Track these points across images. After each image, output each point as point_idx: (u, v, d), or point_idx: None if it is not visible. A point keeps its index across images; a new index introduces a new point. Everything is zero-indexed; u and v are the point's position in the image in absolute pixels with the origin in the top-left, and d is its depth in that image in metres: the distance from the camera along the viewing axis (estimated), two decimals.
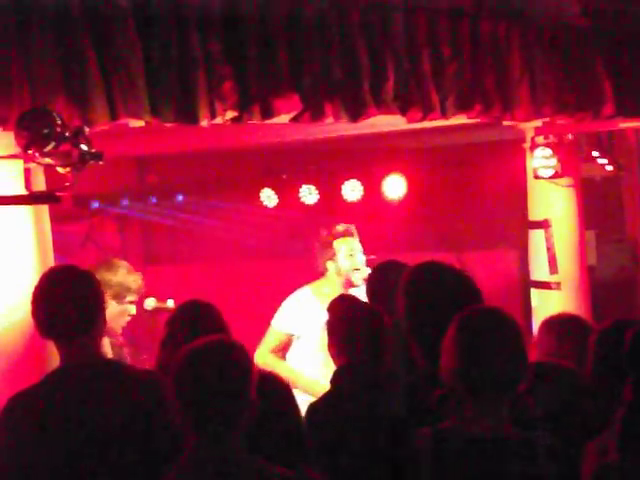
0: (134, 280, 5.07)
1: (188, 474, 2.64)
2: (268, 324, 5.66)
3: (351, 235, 5.74)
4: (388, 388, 3.50)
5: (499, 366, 2.77)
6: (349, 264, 5.64)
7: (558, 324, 4.05)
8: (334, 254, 5.66)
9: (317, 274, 5.86)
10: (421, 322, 3.30)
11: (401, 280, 3.47)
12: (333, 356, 3.77)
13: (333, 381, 3.70)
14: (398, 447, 3.09)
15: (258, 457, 2.66)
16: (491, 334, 2.81)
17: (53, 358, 3.28)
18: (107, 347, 4.98)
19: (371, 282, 4.50)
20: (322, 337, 4.01)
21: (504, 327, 2.85)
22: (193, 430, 2.65)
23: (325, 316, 3.90)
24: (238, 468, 2.62)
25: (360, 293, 4.95)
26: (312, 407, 3.64)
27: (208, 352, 2.71)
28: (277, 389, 3.05)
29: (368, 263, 5.59)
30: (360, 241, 5.78)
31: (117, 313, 4.98)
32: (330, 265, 5.70)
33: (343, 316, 3.78)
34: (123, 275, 5.03)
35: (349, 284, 5.63)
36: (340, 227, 5.74)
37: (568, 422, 3.13)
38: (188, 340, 2.90)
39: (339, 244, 5.68)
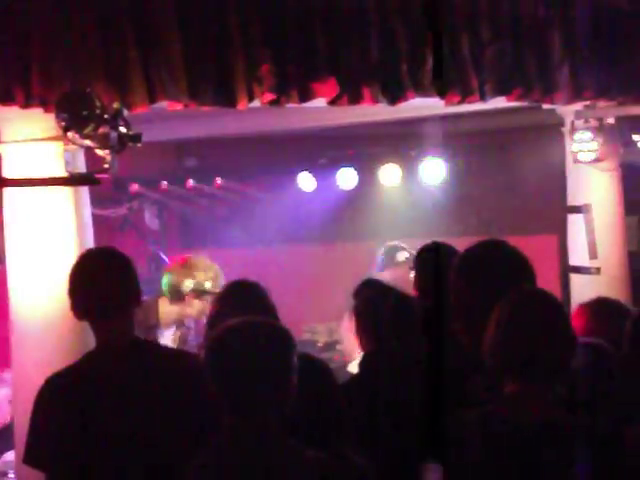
0: (212, 277, 5.18)
1: (221, 455, 2.64)
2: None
3: None
4: (415, 373, 3.48)
5: (546, 348, 2.75)
6: None
7: (595, 307, 4.00)
8: None
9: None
10: (473, 304, 3.22)
11: (455, 262, 3.40)
12: (361, 341, 3.78)
13: (361, 366, 3.71)
14: (428, 432, 3.07)
15: (293, 439, 2.65)
16: (539, 315, 2.78)
17: (90, 339, 3.31)
18: (177, 334, 5.13)
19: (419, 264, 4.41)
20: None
21: (553, 309, 2.82)
22: (228, 411, 2.65)
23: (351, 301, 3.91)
24: (272, 451, 2.61)
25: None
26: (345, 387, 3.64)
27: (245, 332, 2.69)
28: (318, 371, 3.05)
29: None
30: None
31: (197, 311, 5.13)
32: None
33: (369, 301, 3.80)
34: (200, 276, 5.15)
35: None
36: None
37: (607, 406, 3.09)
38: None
39: None
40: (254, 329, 2.71)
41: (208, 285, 5.13)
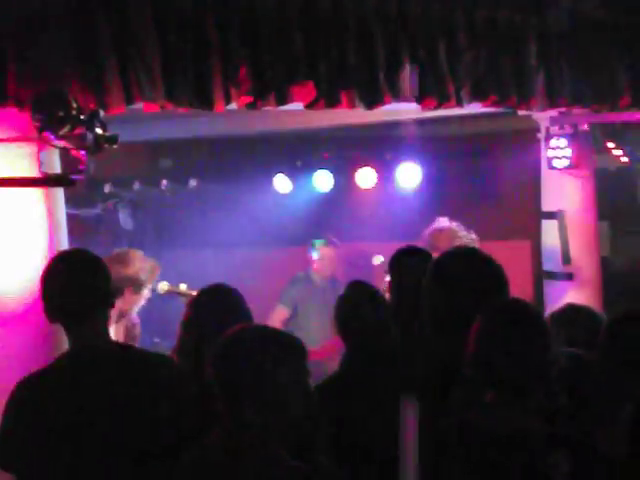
0: (149, 270, 5.08)
1: (213, 458, 2.62)
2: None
3: None
4: (392, 369, 3.51)
5: (524, 357, 2.77)
6: None
7: (568, 314, 4.03)
8: None
9: None
10: (447, 311, 3.23)
11: (429, 268, 3.41)
12: (342, 340, 3.83)
13: (341, 364, 3.75)
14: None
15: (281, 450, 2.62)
16: (517, 327, 2.81)
17: (62, 342, 3.29)
18: (120, 329, 5.03)
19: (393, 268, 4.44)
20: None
21: (531, 320, 2.84)
22: (227, 420, 2.61)
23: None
24: (263, 460, 2.58)
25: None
26: (320, 389, 3.66)
27: (255, 342, 2.65)
28: None
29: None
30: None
31: (134, 300, 5.02)
32: None
33: (344, 300, 3.85)
34: (137, 267, 5.05)
35: None
36: None
37: (584, 412, 3.12)
38: (212, 324, 2.87)
39: None
40: (264, 339, 2.67)
41: (143, 277, 5.04)
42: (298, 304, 6.95)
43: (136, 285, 5.00)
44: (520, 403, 2.79)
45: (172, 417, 3.03)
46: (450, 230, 5.84)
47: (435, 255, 5.46)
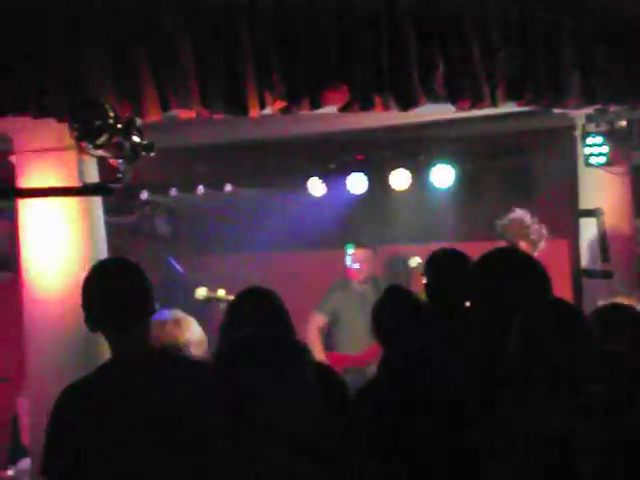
0: (198, 342, 5.06)
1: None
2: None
3: None
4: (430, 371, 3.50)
5: (566, 357, 2.76)
6: None
7: (610, 313, 3.99)
8: None
9: None
10: (491, 310, 3.22)
11: (474, 268, 3.41)
12: (379, 344, 3.84)
13: (379, 368, 3.75)
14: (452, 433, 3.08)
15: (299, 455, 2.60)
16: (560, 328, 2.80)
17: (106, 349, 3.30)
18: None
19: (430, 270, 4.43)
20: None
21: (574, 321, 2.83)
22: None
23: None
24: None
25: None
26: (361, 393, 3.66)
27: (257, 347, 2.64)
28: (333, 383, 3.05)
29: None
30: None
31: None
32: None
33: (380, 305, 3.86)
34: (189, 334, 5.04)
35: None
36: None
37: (629, 412, 3.09)
38: (248, 326, 2.87)
39: None
40: (267, 344, 2.65)
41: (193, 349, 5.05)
42: (338, 311, 6.96)
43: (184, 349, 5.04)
44: (562, 402, 2.78)
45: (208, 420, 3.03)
46: (520, 221, 5.76)
47: (502, 244, 5.51)
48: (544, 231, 5.78)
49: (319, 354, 6.39)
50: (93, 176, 4.41)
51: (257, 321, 3.51)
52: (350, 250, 7.00)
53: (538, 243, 5.71)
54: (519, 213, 5.81)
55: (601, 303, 4.27)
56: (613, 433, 2.80)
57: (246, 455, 2.52)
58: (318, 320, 6.87)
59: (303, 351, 2.60)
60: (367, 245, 7.07)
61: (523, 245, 5.62)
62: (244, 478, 2.51)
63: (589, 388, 2.86)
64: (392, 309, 3.89)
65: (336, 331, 6.78)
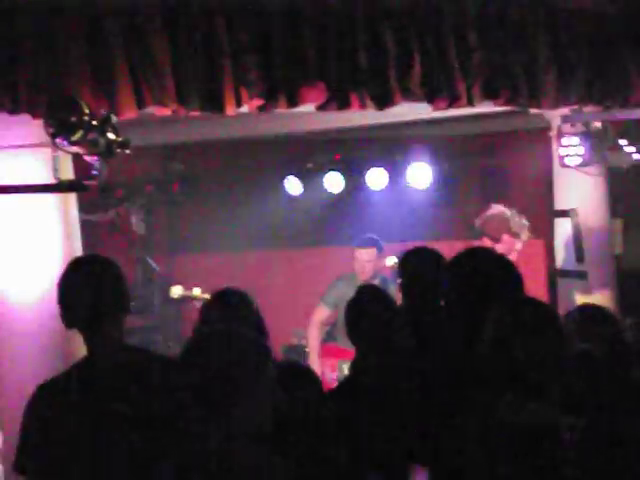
0: None
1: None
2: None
3: None
4: (400, 374, 3.52)
5: (540, 356, 2.78)
6: None
7: (582, 314, 4.02)
8: None
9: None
10: (464, 309, 3.24)
11: (447, 267, 3.42)
12: (352, 342, 3.84)
13: (351, 366, 3.77)
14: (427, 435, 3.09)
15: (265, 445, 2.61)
16: (533, 325, 2.81)
17: (81, 346, 3.29)
18: None
19: (403, 269, 4.44)
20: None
21: (546, 318, 2.85)
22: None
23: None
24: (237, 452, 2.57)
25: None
26: (332, 392, 3.67)
27: (212, 339, 2.62)
28: (305, 381, 3.06)
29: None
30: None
31: None
32: None
33: (351, 304, 3.86)
34: None
35: None
36: None
37: (598, 407, 3.12)
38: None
39: None
40: (228, 338, 2.65)
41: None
42: (340, 303, 6.94)
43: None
44: (539, 399, 2.79)
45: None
46: (500, 215, 5.76)
47: (486, 241, 5.53)
48: (525, 221, 5.78)
49: (313, 349, 6.43)
50: (68, 173, 4.38)
51: (228, 321, 3.51)
52: (354, 249, 6.94)
53: (521, 234, 5.71)
54: (497, 208, 5.81)
55: (577, 299, 4.31)
56: (585, 431, 2.82)
57: (210, 446, 2.53)
58: (321, 311, 6.82)
59: (266, 349, 2.60)
60: (371, 245, 7.03)
61: (506, 238, 5.62)
62: (209, 468, 2.52)
63: (560, 386, 2.89)
64: (363, 308, 3.89)
65: (337, 323, 6.76)
